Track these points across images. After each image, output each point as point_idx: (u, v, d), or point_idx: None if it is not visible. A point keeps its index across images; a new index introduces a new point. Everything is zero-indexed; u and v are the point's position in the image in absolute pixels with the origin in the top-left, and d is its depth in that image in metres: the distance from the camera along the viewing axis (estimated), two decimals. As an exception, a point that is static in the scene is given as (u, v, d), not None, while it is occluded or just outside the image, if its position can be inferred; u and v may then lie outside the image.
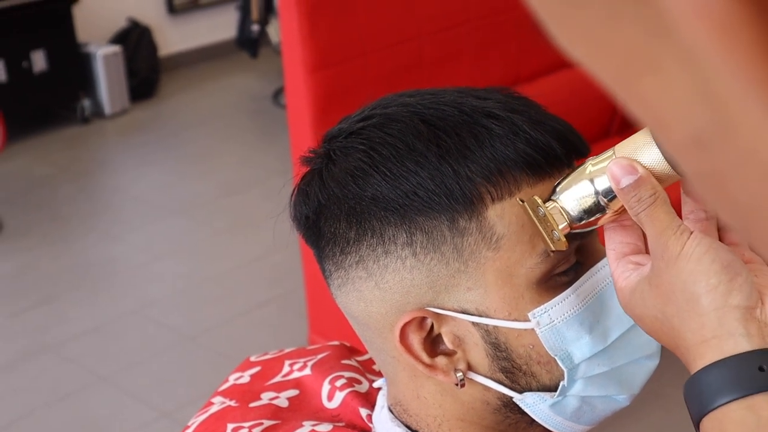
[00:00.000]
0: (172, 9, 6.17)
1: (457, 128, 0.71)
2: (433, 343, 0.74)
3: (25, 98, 5.10)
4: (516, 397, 0.74)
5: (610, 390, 0.75)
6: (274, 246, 3.74)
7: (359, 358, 0.93)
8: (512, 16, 3.03)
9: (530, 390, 0.74)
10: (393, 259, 0.72)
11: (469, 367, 0.74)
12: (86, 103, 5.32)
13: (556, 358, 0.72)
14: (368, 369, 0.91)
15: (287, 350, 0.95)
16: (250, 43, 5.46)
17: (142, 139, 5.12)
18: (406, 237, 0.71)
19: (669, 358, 0.74)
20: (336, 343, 0.95)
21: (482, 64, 2.96)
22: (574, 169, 0.69)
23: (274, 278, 3.54)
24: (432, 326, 0.74)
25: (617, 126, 3.37)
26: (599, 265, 0.74)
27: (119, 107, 5.43)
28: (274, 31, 5.65)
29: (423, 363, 0.73)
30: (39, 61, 5.16)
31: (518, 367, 0.73)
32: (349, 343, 0.96)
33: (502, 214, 0.70)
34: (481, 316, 0.72)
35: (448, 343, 0.74)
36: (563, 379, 0.73)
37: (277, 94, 5.59)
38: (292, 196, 0.79)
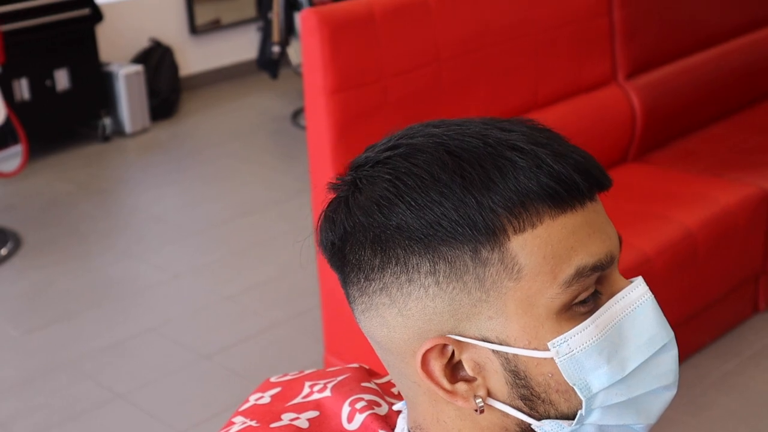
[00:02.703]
0: (194, 29, 6.22)
1: (481, 160, 0.72)
2: (453, 370, 0.75)
3: (47, 116, 5.15)
4: (534, 423, 0.75)
5: (627, 419, 0.75)
6: (291, 266, 3.77)
7: (378, 381, 0.94)
8: (529, 42, 3.04)
9: (548, 417, 0.75)
10: (416, 287, 0.73)
11: (489, 394, 0.75)
12: (107, 121, 5.37)
13: (574, 387, 0.73)
14: (387, 392, 0.92)
15: (307, 372, 0.97)
16: (270, 64, 5.50)
17: (161, 158, 5.16)
18: (430, 266, 0.72)
19: (682, 387, 0.75)
20: (355, 365, 0.96)
21: (499, 89, 2.98)
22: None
23: (290, 299, 3.55)
24: (453, 353, 0.75)
25: (634, 152, 3.38)
26: (619, 295, 0.75)
27: (140, 126, 5.47)
28: (294, 52, 5.69)
29: (443, 389, 0.75)
30: (62, 79, 5.22)
31: (537, 395, 0.74)
32: (368, 366, 0.97)
33: (524, 245, 0.71)
34: (501, 344, 0.73)
35: (468, 369, 0.75)
36: (581, 407, 0.74)
37: (297, 115, 5.62)
38: (318, 221, 0.79)
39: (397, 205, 0.72)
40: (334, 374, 0.94)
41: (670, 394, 0.76)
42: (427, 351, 0.74)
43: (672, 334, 0.76)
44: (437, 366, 0.75)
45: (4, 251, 4.06)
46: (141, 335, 3.39)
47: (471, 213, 0.71)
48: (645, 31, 3.42)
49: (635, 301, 0.75)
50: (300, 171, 4.83)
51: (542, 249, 0.71)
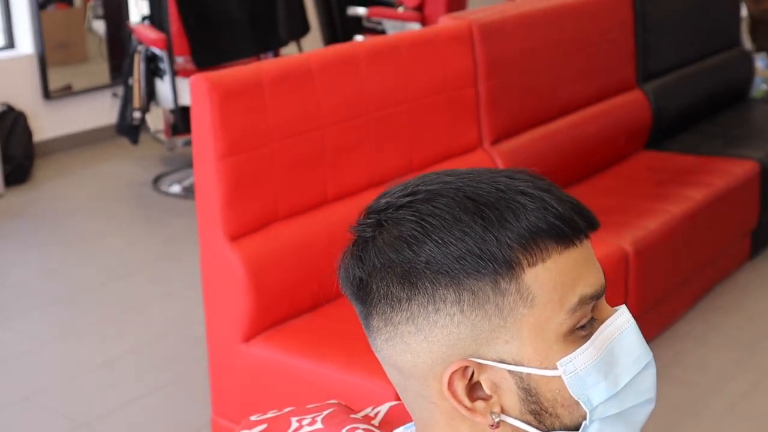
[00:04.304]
0: (48, 95, 6.14)
1: (496, 203, 0.82)
2: (472, 389, 0.85)
3: None
4: None
5: (619, 430, 0.87)
6: (165, 331, 3.76)
7: (358, 415, 1.01)
8: (404, 110, 3.17)
9: (554, 429, 0.85)
10: (442, 316, 0.83)
11: (503, 410, 0.85)
12: (-41, 188, 5.23)
13: (579, 401, 0.84)
14: (370, 424, 0.99)
15: (285, 409, 1.03)
16: (131, 129, 5.47)
17: (18, 225, 5.04)
18: (455, 296, 0.82)
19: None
20: (333, 401, 1.03)
21: (378, 152, 3.08)
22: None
23: (167, 362, 3.53)
24: (472, 374, 0.84)
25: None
26: (609, 320, 0.86)
27: (-7, 193, 5.35)
28: (153, 118, 5.70)
29: (465, 407, 0.84)
30: None
31: (545, 410, 0.84)
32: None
33: (536, 277, 0.82)
34: (516, 365, 0.83)
35: (486, 389, 0.84)
36: (584, 419, 0.84)
37: (157, 180, 5.61)
38: (344, 259, 0.88)
39: (426, 243, 0.82)
40: (318, 409, 1.00)
41: (651, 407, 0.88)
42: (452, 373, 0.83)
43: (651, 354, 0.88)
44: (460, 386, 0.84)
45: None
46: (14, 404, 3.30)
47: (491, 249, 0.81)
48: (507, 102, 3.62)
49: (622, 326, 0.86)
50: (165, 235, 4.83)
51: (551, 280, 0.82)
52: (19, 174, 5.61)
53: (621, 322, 0.87)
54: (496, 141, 3.57)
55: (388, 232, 0.85)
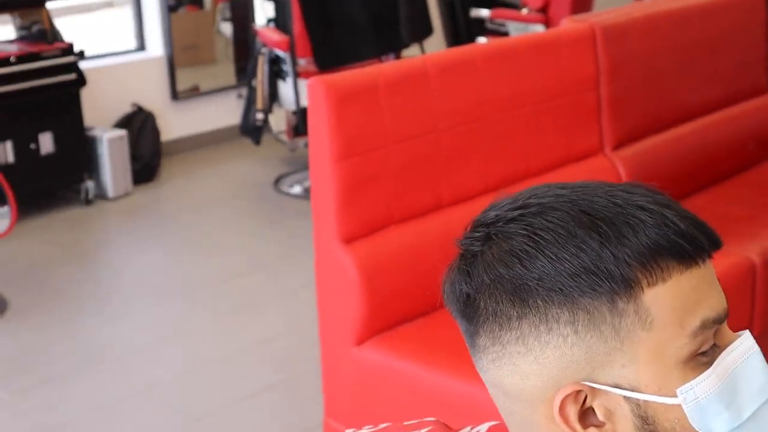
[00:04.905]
0: (175, 95, 6.29)
1: (613, 218, 0.77)
2: (584, 415, 0.79)
3: (30, 179, 5.16)
4: None
5: None
6: (280, 330, 3.80)
7: None
8: (521, 114, 3.13)
9: None
10: (555, 336, 0.78)
11: None
12: (90, 185, 5.39)
13: (700, 431, 0.78)
14: None
15: (381, 425, 0.99)
16: (254, 130, 5.56)
17: (144, 222, 5.18)
18: (569, 316, 0.77)
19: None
20: (431, 419, 0.99)
21: (494, 157, 3.05)
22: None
23: (280, 362, 3.57)
24: (585, 399, 0.79)
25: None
26: (732, 346, 0.80)
27: (122, 190, 5.50)
28: (276, 119, 5.76)
29: (574, 430, 0.79)
30: (46, 143, 5.24)
31: None
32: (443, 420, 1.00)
33: (656, 297, 0.76)
34: (633, 390, 0.78)
35: (600, 415, 0.79)
36: None
37: (279, 181, 5.68)
38: (449, 274, 0.83)
39: (538, 258, 0.77)
40: (415, 427, 0.97)
41: None
42: (565, 397, 0.78)
43: None
44: (572, 411, 0.79)
45: (-10, 313, 4.05)
46: (130, 398, 3.38)
47: (609, 266, 0.76)
48: (630, 106, 3.53)
49: (746, 353, 0.80)
50: (283, 236, 4.88)
51: (672, 301, 0.77)
52: (146, 173, 5.76)
53: (745, 348, 0.80)
54: (617, 146, 3.48)
55: (498, 246, 0.80)
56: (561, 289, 0.77)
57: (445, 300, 0.85)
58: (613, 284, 0.76)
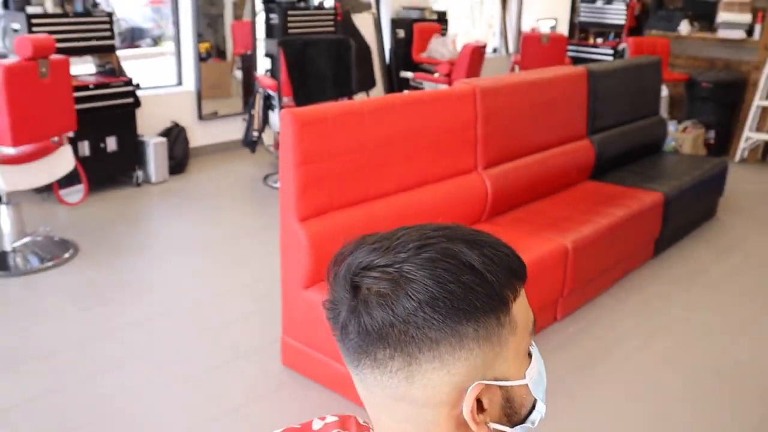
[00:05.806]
0: (201, 117, 6.20)
1: (487, 252, 0.70)
2: (476, 406, 0.71)
3: (99, 168, 5.07)
4: (508, 430, 0.73)
5: (542, 409, 0.76)
6: (259, 277, 3.77)
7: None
8: (424, 141, 3.13)
9: (517, 424, 0.74)
10: (465, 352, 0.67)
11: (490, 419, 0.72)
12: (140, 173, 5.30)
13: (537, 398, 0.73)
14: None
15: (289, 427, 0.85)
16: (251, 143, 5.51)
17: (174, 200, 5.10)
18: (474, 333, 0.67)
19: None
20: (335, 418, 0.85)
21: (405, 170, 3.04)
22: None
23: (259, 297, 3.54)
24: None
25: (486, 216, 3.49)
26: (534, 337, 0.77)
27: (162, 178, 5.41)
28: (267, 136, 5.71)
29: (476, 422, 0.70)
30: (111, 144, 5.14)
31: (515, 411, 0.73)
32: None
33: (518, 310, 0.70)
34: (506, 380, 0.71)
35: (485, 404, 0.70)
36: (532, 406, 0.74)
37: (266, 178, 5.63)
38: (351, 303, 0.67)
39: (453, 283, 0.66)
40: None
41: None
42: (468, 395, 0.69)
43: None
44: (474, 406, 0.70)
45: (67, 255, 3.97)
46: (162, 315, 3.33)
47: (497, 290, 0.68)
48: (496, 141, 3.57)
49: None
50: (268, 214, 4.84)
51: (524, 311, 0.72)
52: (178, 168, 5.67)
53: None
54: (486, 167, 3.52)
55: (407, 285, 0.66)
56: (471, 312, 0.66)
57: (337, 328, 0.69)
58: (501, 304, 0.69)
